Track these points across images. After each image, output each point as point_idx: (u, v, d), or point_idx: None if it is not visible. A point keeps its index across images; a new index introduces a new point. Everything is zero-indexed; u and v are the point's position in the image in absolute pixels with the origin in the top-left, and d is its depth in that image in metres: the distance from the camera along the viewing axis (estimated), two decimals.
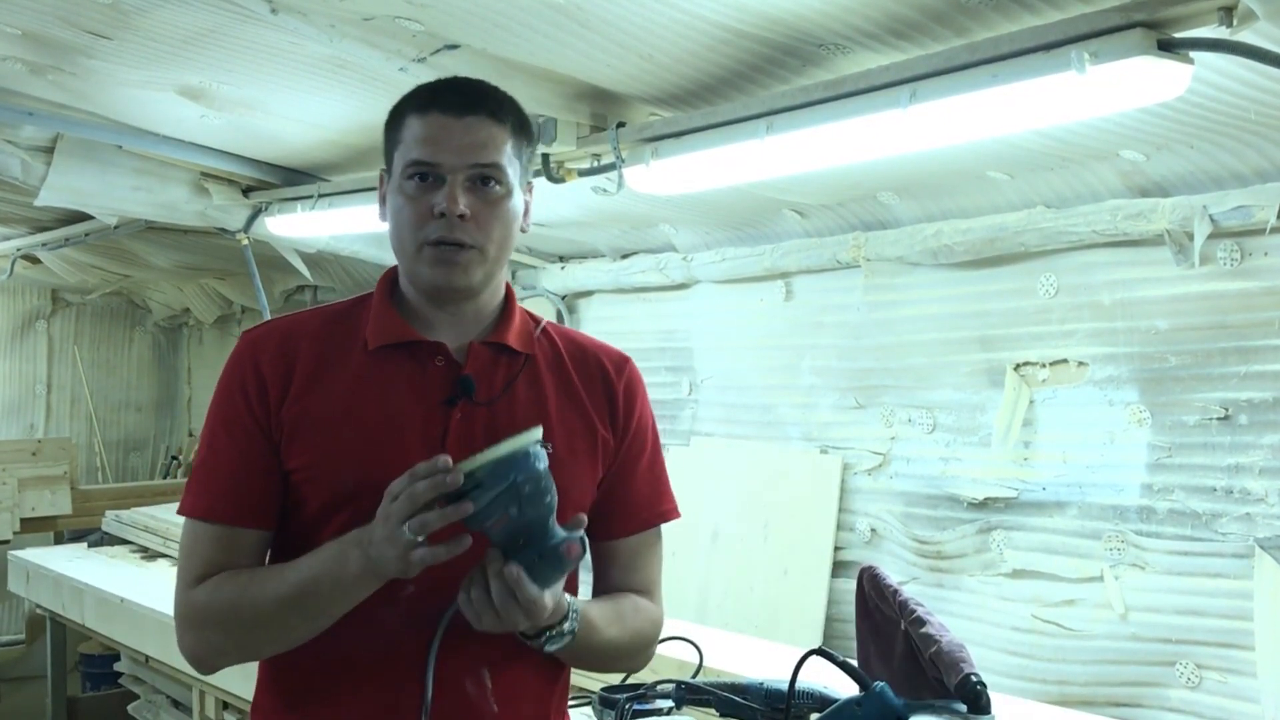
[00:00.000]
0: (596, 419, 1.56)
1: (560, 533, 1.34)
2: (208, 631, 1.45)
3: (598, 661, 1.60)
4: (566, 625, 1.41)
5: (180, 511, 1.50)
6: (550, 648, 1.41)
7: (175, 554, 4.31)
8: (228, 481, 1.47)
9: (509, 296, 1.59)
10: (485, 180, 1.47)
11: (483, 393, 1.49)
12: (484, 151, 1.46)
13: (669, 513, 1.64)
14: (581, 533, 1.37)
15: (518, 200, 1.51)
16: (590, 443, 1.54)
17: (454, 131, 1.46)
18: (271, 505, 1.47)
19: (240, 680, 3.18)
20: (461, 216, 1.44)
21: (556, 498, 1.33)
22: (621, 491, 1.57)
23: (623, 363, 1.63)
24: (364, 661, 1.45)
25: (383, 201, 1.54)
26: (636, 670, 1.73)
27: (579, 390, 1.57)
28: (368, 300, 1.57)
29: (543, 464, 1.32)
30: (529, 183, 1.56)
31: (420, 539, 1.28)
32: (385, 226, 1.54)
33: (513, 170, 1.50)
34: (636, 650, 1.60)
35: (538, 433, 1.33)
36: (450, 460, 1.28)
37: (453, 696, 1.44)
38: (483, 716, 1.46)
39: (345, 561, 1.35)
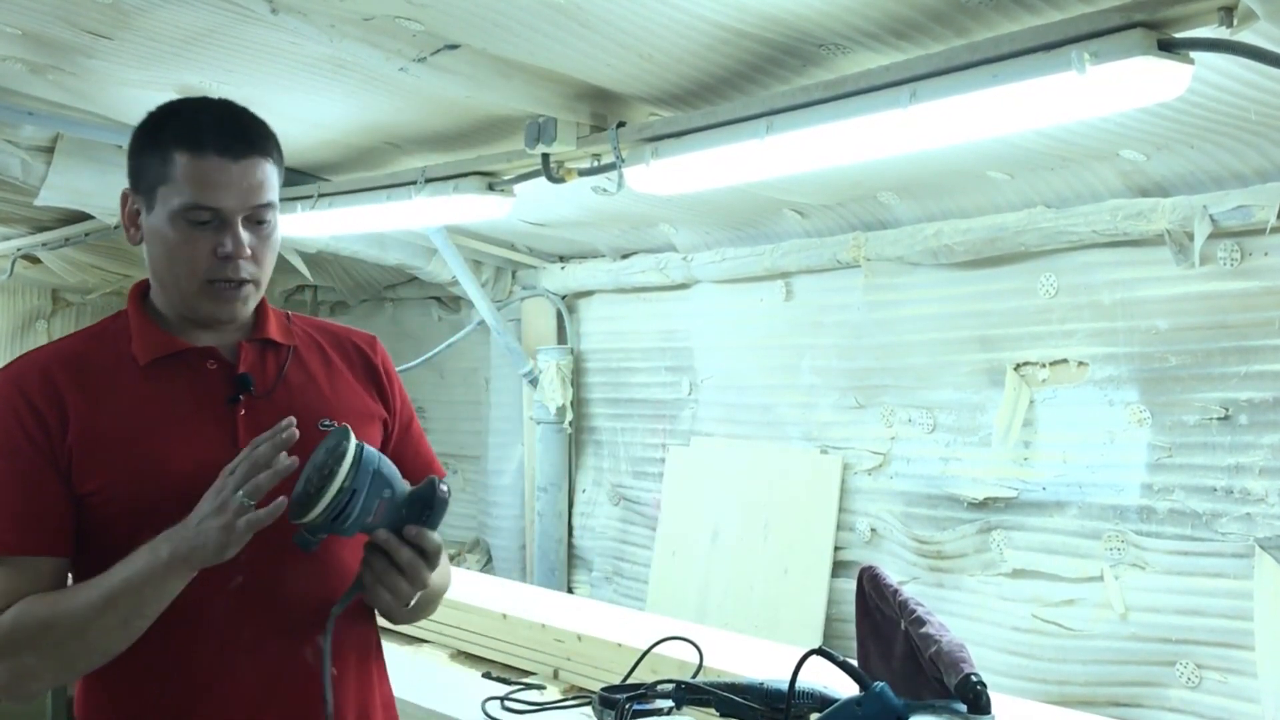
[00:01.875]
0: (366, 394, 1.66)
1: (417, 488, 1.46)
2: (18, 656, 1.41)
3: (419, 611, 1.64)
4: None
5: None
6: (412, 601, 1.50)
7: None
8: (14, 512, 1.45)
9: (261, 300, 1.65)
10: (261, 219, 1.53)
11: (260, 386, 1.55)
12: (261, 192, 1.51)
13: (442, 475, 1.71)
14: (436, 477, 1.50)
15: (279, 225, 1.59)
16: (368, 415, 1.62)
17: (232, 175, 1.48)
18: (66, 530, 1.47)
19: None
20: (245, 257, 1.51)
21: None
22: (406, 457, 1.63)
23: (374, 341, 1.73)
24: (200, 658, 1.48)
25: (132, 224, 1.55)
26: (426, 617, 1.78)
27: (343, 370, 1.66)
28: (122, 319, 1.59)
29: (367, 444, 1.44)
30: None
31: (250, 504, 1.34)
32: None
33: (277, 201, 1.56)
34: (440, 593, 1.72)
35: (340, 433, 1.43)
36: (294, 420, 1.40)
37: (295, 669, 1.50)
38: (324, 678, 1.48)
39: (155, 554, 1.38)
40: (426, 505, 1.46)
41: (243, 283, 1.52)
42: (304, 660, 1.51)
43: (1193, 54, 1.94)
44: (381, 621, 1.64)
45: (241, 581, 1.47)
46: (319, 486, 1.38)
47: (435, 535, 1.46)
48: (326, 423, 1.48)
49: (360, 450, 1.41)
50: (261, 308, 1.64)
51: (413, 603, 1.51)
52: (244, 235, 1.50)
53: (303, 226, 4.34)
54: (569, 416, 4.63)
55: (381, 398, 1.68)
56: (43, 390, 1.49)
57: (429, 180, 3.52)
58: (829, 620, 3.59)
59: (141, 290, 1.61)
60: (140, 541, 1.42)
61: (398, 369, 1.77)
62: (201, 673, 1.48)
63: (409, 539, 1.44)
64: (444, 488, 1.47)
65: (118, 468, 1.46)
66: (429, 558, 1.46)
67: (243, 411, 1.53)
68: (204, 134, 1.49)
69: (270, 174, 1.53)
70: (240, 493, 1.35)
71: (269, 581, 1.49)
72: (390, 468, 1.45)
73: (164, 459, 1.46)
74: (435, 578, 1.57)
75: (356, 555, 1.51)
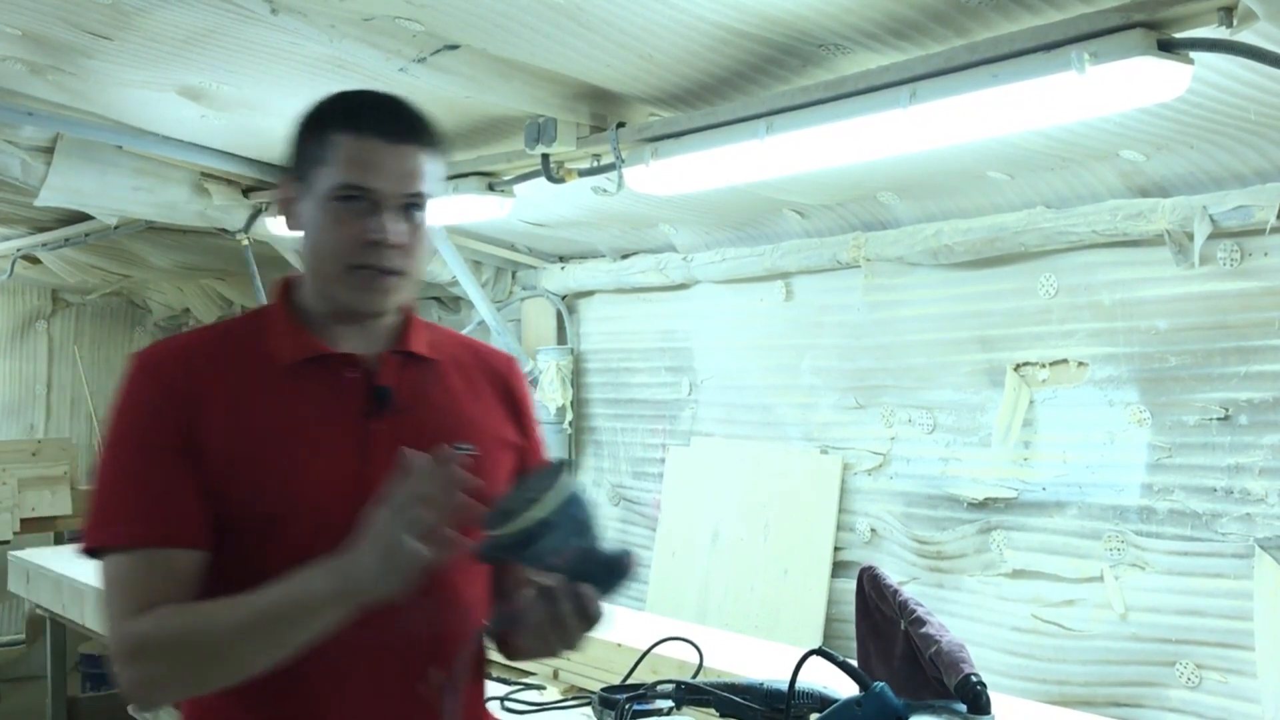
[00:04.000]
0: (503, 418, 1.61)
1: (611, 549, 1.42)
2: (151, 664, 1.37)
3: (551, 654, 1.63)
4: None
5: (94, 545, 1.44)
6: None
7: None
8: (156, 503, 1.41)
9: (407, 309, 1.60)
10: (412, 208, 1.48)
11: (398, 402, 1.50)
12: (415, 180, 1.47)
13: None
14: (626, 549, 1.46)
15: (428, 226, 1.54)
16: (502, 441, 1.58)
17: (388, 157, 1.46)
18: (200, 522, 1.42)
19: None
20: (394, 245, 1.45)
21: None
22: None
23: (512, 362, 1.70)
24: (317, 679, 1.44)
25: (286, 210, 1.53)
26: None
27: (484, 391, 1.61)
28: (265, 315, 1.55)
29: (584, 491, 1.42)
30: None
31: (424, 550, 1.29)
32: (292, 233, 1.53)
33: (432, 195, 1.52)
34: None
35: (562, 465, 1.42)
36: (470, 448, 1.36)
37: (405, 698, 1.47)
38: (436, 713, 1.46)
39: (316, 586, 1.33)
40: (611, 571, 1.42)
41: (389, 272, 1.46)
42: (418, 689, 1.47)
43: (1192, 54, 1.94)
44: None
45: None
46: (523, 506, 1.36)
47: (603, 605, 1.41)
48: (464, 447, 1.42)
49: (575, 491, 1.40)
50: (408, 318, 1.58)
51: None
52: (395, 223, 1.45)
53: None
54: (569, 417, 4.63)
55: (519, 424, 1.63)
56: (181, 378, 1.45)
57: None
58: (829, 620, 3.59)
59: (287, 287, 1.56)
60: (265, 551, 1.39)
61: None
62: (317, 694, 1.44)
63: (579, 596, 1.38)
64: (633, 562, 1.44)
65: (245, 472, 1.42)
66: (589, 621, 1.40)
67: (378, 427, 1.48)
68: (365, 116, 1.48)
69: (428, 166, 1.49)
70: (414, 535, 1.29)
71: (392, 606, 1.42)
72: (595, 522, 1.42)
73: (292, 469, 1.43)
74: None
75: (476, 594, 1.51)
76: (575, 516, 1.39)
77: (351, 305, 1.49)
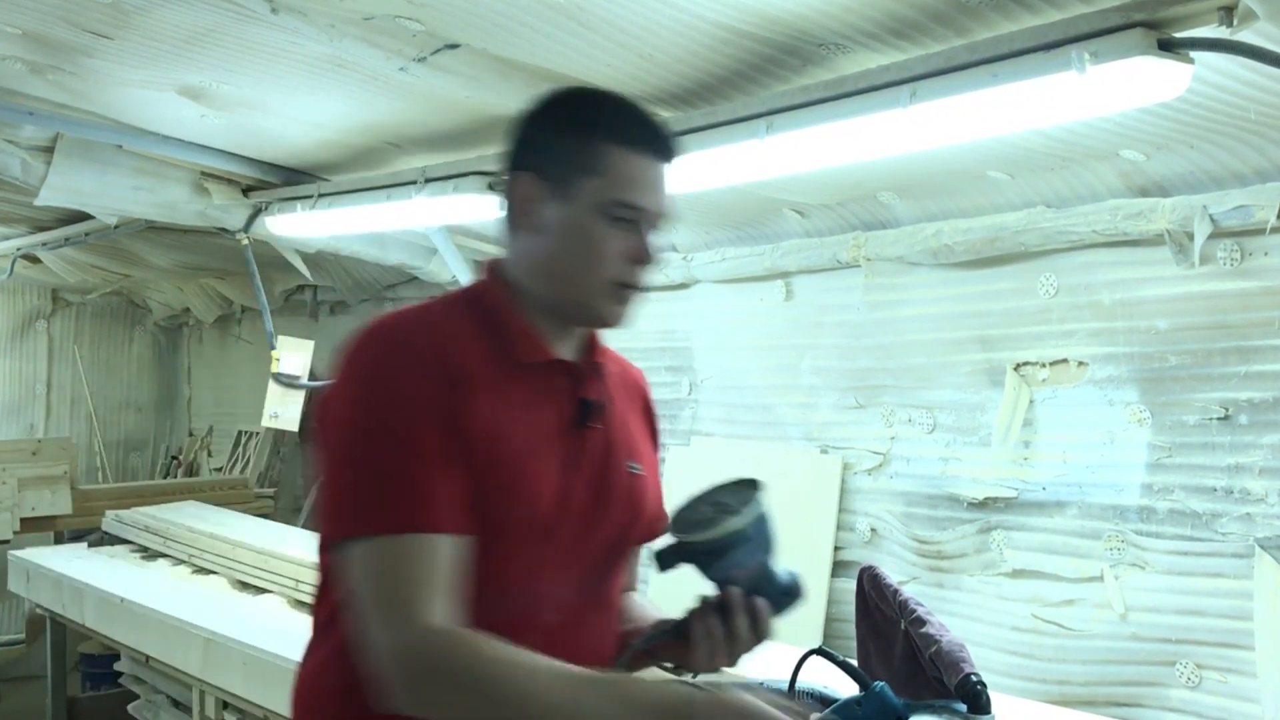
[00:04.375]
0: (645, 432, 1.62)
1: (786, 570, 1.47)
2: (442, 695, 1.26)
3: None
4: None
5: (354, 531, 1.30)
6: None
7: (175, 554, 4.34)
8: (440, 484, 1.31)
9: None
10: (660, 227, 1.49)
11: (595, 415, 1.49)
12: (668, 200, 1.48)
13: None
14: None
15: None
16: (649, 457, 1.59)
17: (659, 179, 1.46)
18: (470, 507, 1.34)
19: (242, 680, 3.18)
20: (654, 264, 1.47)
21: None
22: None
23: (643, 376, 1.70)
24: None
25: (523, 209, 1.46)
26: None
27: (633, 405, 1.61)
28: (492, 304, 1.47)
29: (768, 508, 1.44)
30: None
31: None
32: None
33: None
34: None
35: (757, 482, 1.45)
36: (639, 467, 1.43)
37: None
38: None
39: (664, 706, 1.26)
40: (787, 592, 1.46)
41: (638, 289, 1.46)
42: None
43: (1193, 54, 1.94)
44: None
45: (555, 620, 1.41)
46: (719, 517, 1.39)
47: (773, 625, 1.44)
48: (635, 466, 1.44)
49: (766, 510, 1.43)
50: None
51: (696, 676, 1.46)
52: (655, 240, 1.46)
53: (303, 226, 4.34)
54: None
55: (654, 438, 1.64)
56: (441, 361, 1.37)
57: (429, 180, 3.52)
58: (829, 620, 3.59)
59: (502, 280, 1.48)
60: (485, 557, 1.34)
61: None
62: None
63: (753, 611, 1.42)
64: (805, 587, 1.47)
65: (492, 467, 1.36)
66: (759, 638, 1.44)
67: (583, 439, 1.46)
68: (639, 131, 1.45)
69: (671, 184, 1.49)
70: None
71: (575, 624, 1.43)
72: (776, 538, 1.45)
73: (524, 471, 1.38)
74: None
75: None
76: (765, 534, 1.42)
77: (605, 319, 1.48)
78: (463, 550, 1.31)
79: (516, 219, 1.47)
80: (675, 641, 1.46)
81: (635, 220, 1.43)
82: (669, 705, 1.24)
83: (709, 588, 1.47)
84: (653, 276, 1.48)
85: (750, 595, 1.42)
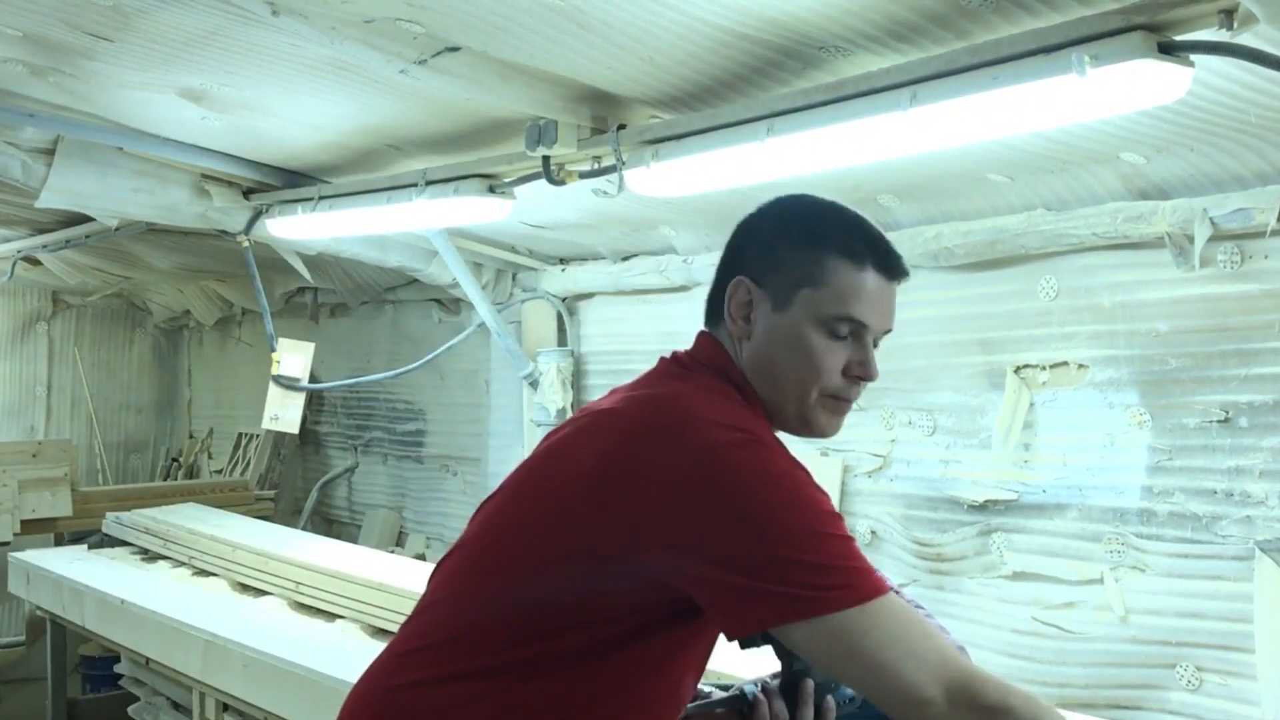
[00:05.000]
0: None
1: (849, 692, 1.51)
2: None
3: None
4: None
5: (877, 593, 1.37)
6: None
7: (175, 556, 4.34)
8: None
9: None
10: (879, 343, 1.50)
11: None
12: (893, 318, 1.49)
13: None
14: None
15: None
16: None
17: (885, 297, 1.47)
18: None
19: (242, 682, 3.18)
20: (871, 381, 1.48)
21: None
22: None
23: None
24: None
25: (744, 316, 1.49)
26: None
27: None
28: (758, 412, 1.49)
29: None
30: None
31: None
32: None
33: None
34: None
35: None
36: None
37: None
38: None
39: None
40: (852, 697, 1.49)
41: (851, 402, 1.49)
42: None
43: (1193, 56, 1.94)
44: None
45: (688, 680, 1.49)
46: None
47: None
48: None
49: None
50: None
51: None
52: (873, 357, 1.48)
53: (303, 229, 4.34)
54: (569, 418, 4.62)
55: None
56: None
57: (429, 183, 3.52)
58: None
59: (738, 390, 1.49)
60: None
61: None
62: None
63: (820, 708, 1.46)
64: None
65: None
66: None
67: None
68: (868, 248, 1.47)
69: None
70: None
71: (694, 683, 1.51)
72: None
73: None
74: None
75: None
76: None
77: (822, 431, 1.50)
78: None
79: (732, 322, 1.50)
80: (736, 712, 1.50)
81: (857, 335, 1.46)
82: None
83: (772, 665, 1.51)
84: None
85: (822, 692, 1.46)
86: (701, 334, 1.55)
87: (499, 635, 1.40)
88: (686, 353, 1.54)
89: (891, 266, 1.47)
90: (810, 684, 1.46)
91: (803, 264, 1.45)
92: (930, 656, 1.34)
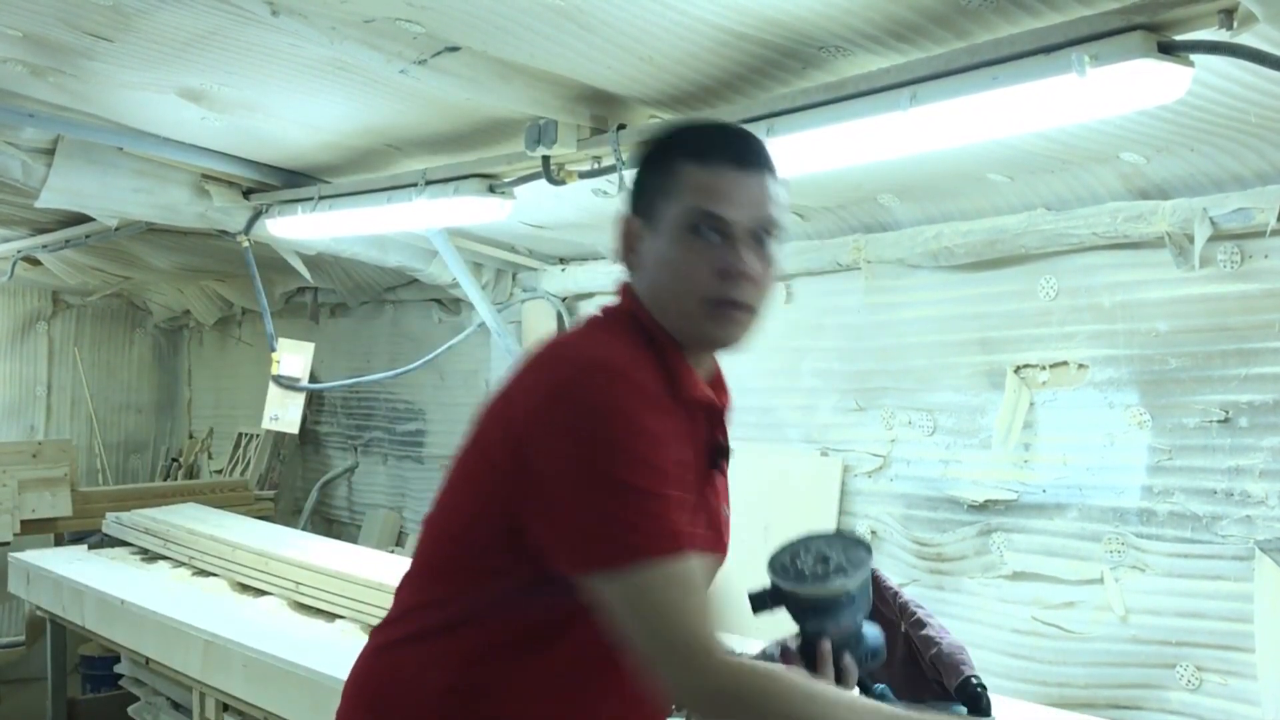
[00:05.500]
0: None
1: (873, 631, 1.48)
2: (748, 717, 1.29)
3: None
4: None
5: (647, 554, 1.29)
6: None
7: (175, 556, 4.34)
8: (679, 508, 1.33)
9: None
10: (765, 238, 1.42)
11: (725, 457, 1.50)
12: (769, 208, 1.42)
13: None
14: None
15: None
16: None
17: (741, 186, 1.40)
18: None
19: (242, 682, 3.18)
20: (751, 277, 1.40)
21: None
22: None
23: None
24: (608, 711, 1.44)
25: (630, 247, 1.47)
26: None
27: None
28: (659, 339, 1.45)
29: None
30: None
31: None
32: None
33: (782, 226, 1.46)
34: None
35: (868, 544, 1.47)
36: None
37: None
38: None
39: None
40: (874, 654, 1.47)
41: (744, 306, 1.42)
42: None
43: (1193, 56, 1.94)
44: None
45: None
46: (826, 574, 1.40)
47: (853, 681, 1.44)
48: (728, 510, 1.42)
49: (873, 576, 1.45)
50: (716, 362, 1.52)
51: None
52: (749, 254, 1.39)
53: (303, 228, 4.34)
54: None
55: None
56: (662, 399, 1.38)
57: (429, 182, 3.52)
58: None
59: (650, 319, 1.46)
60: None
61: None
62: None
63: (841, 669, 1.42)
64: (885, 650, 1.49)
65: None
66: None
67: (714, 482, 1.47)
68: (713, 145, 1.42)
69: (778, 195, 1.43)
70: None
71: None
72: (870, 604, 1.47)
73: (685, 512, 1.36)
74: None
75: None
76: (867, 595, 1.44)
77: (710, 339, 1.45)
78: (700, 568, 1.33)
79: (625, 259, 1.48)
80: None
81: (723, 233, 1.39)
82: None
83: (791, 631, 1.49)
84: (752, 292, 1.40)
85: (840, 652, 1.44)
86: (620, 283, 1.53)
87: (442, 597, 1.43)
88: (605, 305, 1.53)
89: (745, 157, 1.41)
90: (827, 645, 1.43)
91: (660, 180, 1.42)
92: (685, 635, 1.28)
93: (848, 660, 1.43)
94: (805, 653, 1.45)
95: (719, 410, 1.48)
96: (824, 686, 1.34)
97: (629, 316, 1.47)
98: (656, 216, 1.42)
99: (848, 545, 1.43)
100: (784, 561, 1.41)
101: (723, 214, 1.38)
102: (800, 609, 1.42)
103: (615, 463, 1.29)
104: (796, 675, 1.31)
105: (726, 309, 1.41)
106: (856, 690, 1.47)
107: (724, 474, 1.51)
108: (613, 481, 1.29)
